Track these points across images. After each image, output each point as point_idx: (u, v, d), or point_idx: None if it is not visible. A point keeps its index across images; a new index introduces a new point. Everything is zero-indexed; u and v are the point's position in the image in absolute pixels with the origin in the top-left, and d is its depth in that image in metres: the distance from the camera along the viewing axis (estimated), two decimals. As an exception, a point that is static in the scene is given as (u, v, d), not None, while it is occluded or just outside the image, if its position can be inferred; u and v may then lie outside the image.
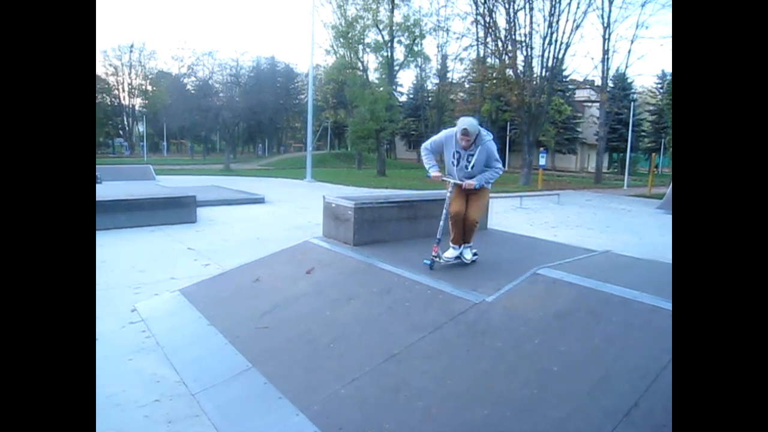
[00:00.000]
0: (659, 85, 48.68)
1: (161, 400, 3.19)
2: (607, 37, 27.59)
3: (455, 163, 4.58)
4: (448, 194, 4.64)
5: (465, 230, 4.69)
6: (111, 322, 4.51)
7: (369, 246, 5.33)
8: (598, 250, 5.64)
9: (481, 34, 30.64)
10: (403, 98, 51.29)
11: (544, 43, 25.47)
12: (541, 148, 30.29)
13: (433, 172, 4.69)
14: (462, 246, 4.75)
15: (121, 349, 3.97)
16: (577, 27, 25.31)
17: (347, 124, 37.96)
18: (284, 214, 12.36)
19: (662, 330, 3.04)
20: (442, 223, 4.63)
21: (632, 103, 32.86)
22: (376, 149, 32.98)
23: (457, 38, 34.48)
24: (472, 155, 4.48)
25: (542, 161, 26.22)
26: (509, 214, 12.71)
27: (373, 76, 33.64)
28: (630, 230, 11.40)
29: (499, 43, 27.06)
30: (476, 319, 3.61)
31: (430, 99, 45.08)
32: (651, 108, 49.72)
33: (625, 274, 4.41)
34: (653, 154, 33.97)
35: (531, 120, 25.35)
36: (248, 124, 49.48)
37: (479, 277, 4.35)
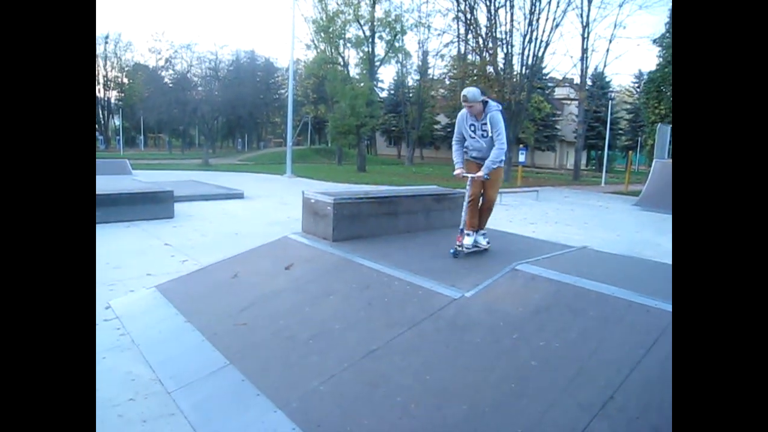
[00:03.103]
0: (636, 85, 49.49)
1: (136, 398, 3.14)
2: (585, 36, 28.01)
3: (473, 134, 4.89)
4: (468, 185, 4.86)
5: (481, 213, 5.09)
6: (85, 320, 4.43)
7: (348, 242, 5.30)
8: (576, 246, 5.69)
9: (462, 30, 30.72)
10: (384, 94, 51.29)
11: (524, 41, 25.58)
12: (521, 145, 30.52)
13: (456, 170, 4.99)
14: (475, 232, 5.05)
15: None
16: (557, 26, 25.41)
17: (327, 120, 37.79)
18: (263, 210, 12.25)
19: (637, 324, 3.08)
20: (463, 214, 4.86)
21: (610, 101, 33.33)
22: (357, 145, 32.91)
23: (438, 35, 34.46)
24: (485, 123, 4.80)
25: (521, 158, 26.48)
26: (489, 211, 12.77)
27: (353, 71, 33.62)
28: (607, 227, 11.54)
29: (480, 40, 27.08)
30: (455, 314, 3.62)
31: (410, 95, 45.15)
32: (628, 107, 50.59)
33: (602, 269, 4.46)
34: (630, 151, 34.56)
35: (511, 117, 25.44)
36: (227, 118, 48.87)
37: (458, 272, 4.36)
